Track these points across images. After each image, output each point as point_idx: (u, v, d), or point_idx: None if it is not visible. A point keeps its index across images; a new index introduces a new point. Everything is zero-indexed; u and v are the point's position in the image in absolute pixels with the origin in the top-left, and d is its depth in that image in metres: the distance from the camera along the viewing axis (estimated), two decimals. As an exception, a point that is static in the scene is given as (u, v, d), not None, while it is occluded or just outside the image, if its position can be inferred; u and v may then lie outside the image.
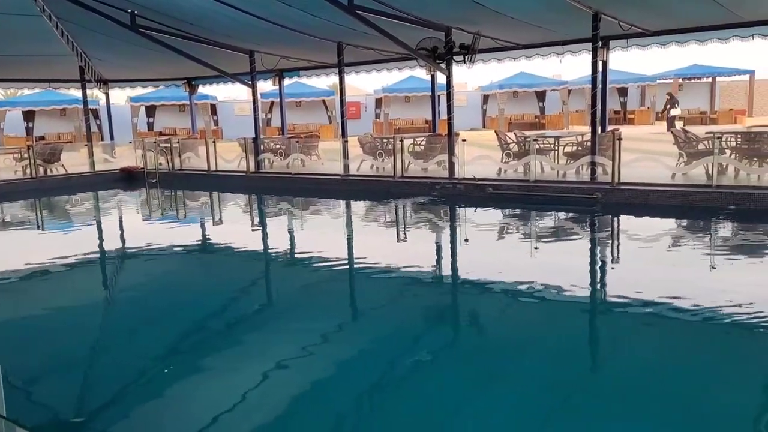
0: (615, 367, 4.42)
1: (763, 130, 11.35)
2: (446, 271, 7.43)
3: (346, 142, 14.61)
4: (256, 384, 4.18)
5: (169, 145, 17.89)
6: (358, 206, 12.82)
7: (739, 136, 11.21)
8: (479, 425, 3.57)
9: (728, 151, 11.05)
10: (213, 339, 5.28)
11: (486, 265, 7.29)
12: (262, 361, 4.57)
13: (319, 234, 9.86)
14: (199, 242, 9.76)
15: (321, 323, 5.44)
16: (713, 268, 6.82)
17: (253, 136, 16.25)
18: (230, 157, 16.69)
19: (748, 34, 11.57)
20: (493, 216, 10.97)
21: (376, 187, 13.51)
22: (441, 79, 13.74)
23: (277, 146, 16.49)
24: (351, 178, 14.24)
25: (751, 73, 30.25)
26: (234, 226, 11.06)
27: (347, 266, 7.69)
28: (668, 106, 24.42)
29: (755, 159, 10.69)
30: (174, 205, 14.12)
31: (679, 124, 21.37)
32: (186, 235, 10.23)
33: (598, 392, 4.00)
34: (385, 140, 14.71)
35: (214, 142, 17.20)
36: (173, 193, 15.59)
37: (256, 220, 12.11)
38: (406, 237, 9.50)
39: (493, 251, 8.20)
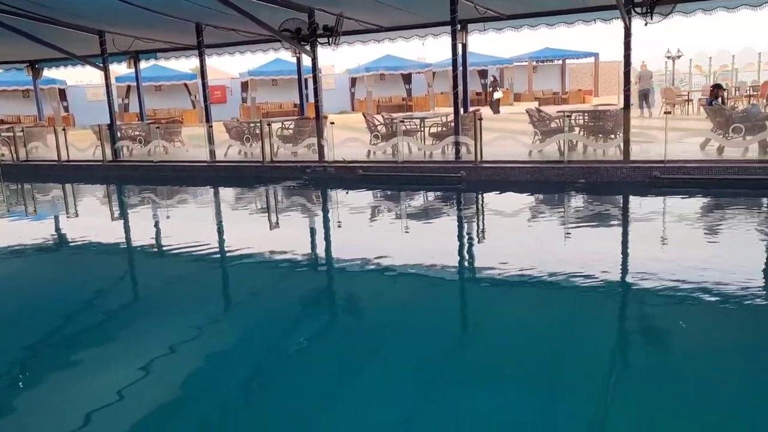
0: (483, 337, 4.63)
1: (605, 109, 12.34)
2: (321, 255, 7.43)
3: (211, 127, 14.11)
4: (128, 382, 3.96)
5: (12, 134, 16.36)
6: (227, 193, 12.46)
7: (585, 114, 12.10)
8: (358, 403, 3.61)
9: (577, 129, 11.90)
10: (79, 338, 4.93)
11: (359, 247, 7.36)
12: (134, 358, 4.32)
13: (187, 224, 9.47)
14: (54, 238, 9.04)
15: (194, 315, 5.25)
16: (567, 236, 7.35)
17: (108, 122, 15.24)
18: (84, 146, 15.56)
19: (590, 19, 12.50)
20: (364, 198, 11.09)
21: (245, 173, 13.20)
22: (307, 61, 13.62)
23: (136, 133, 15.63)
24: (218, 164, 13.79)
25: (596, 55, 32.75)
26: (91, 219, 10.34)
27: (218, 256, 7.45)
28: (491, 89, 25.71)
29: (600, 135, 11.59)
30: (21, 200, 12.96)
31: (503, 108, 22.60)
32: (37, 231, 9.42)
33: (469, 363, 4.17)
34: (252, 125, 14.37)
35: (64, 129, 15.96)
36: (19, 187, 14.29)
37: (117, 212, 11.40)
38: (278, 223, 9.36)
39: (365, 233, 8.30)
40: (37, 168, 15.63)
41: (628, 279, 5.73)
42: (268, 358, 4.38)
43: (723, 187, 9.25)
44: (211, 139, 14.00)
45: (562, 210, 9.20)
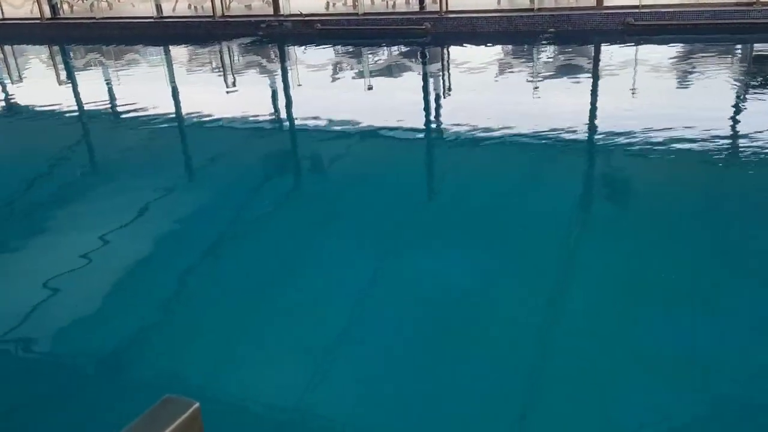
0: (447, 196, 4.51)
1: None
2: (280, 116, 7.08)
3: (156, -22, 12.93)
4: (90, 248, 3.80)
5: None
6: (178, 52, 11.68)
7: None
8: (322, 265, 3.51)
9: (548, -27, 11.19)
10: (36, 208, 4.70)
11: (320, 107, 7.02)
12: (93, 227, 4.13)
13: (138, 86, 8.89)
14: (-6, 106, 8.48)
15: (152, 182, 4.99)
16: (535, 90, 7.09)
17: (42, -25, 13.87)
18: (18, 3, 14.26)
19: None
20: (323, 54, 10.50)
21: (196, 30, 12.32)
22: None
23: (74, -13, 14.30)
24: (166, 20, 12.81)
25: None
26: (36, 84, 9.68)
27: (174, 120, 7.05)
28: None
29: (572, -20, 10.95)
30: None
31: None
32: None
33: (432, 223, 4.07)
34: (200, -26, 13.21)
35: (-8, -16, 14.52)
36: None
37: (62, 75, 10.66)
38: (234, 83, 8.86)
39: (325, 92, 7.90)
40: (-31, 29, 14.39)
41: (597, 132, 5.57)
42: (231, 224, 4.21)
43: (698, 33, 8.92)
44: (156, -8, 12.89)
45: (531, 62, 8.84)
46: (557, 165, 4.93)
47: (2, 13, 14.26)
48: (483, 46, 9.82)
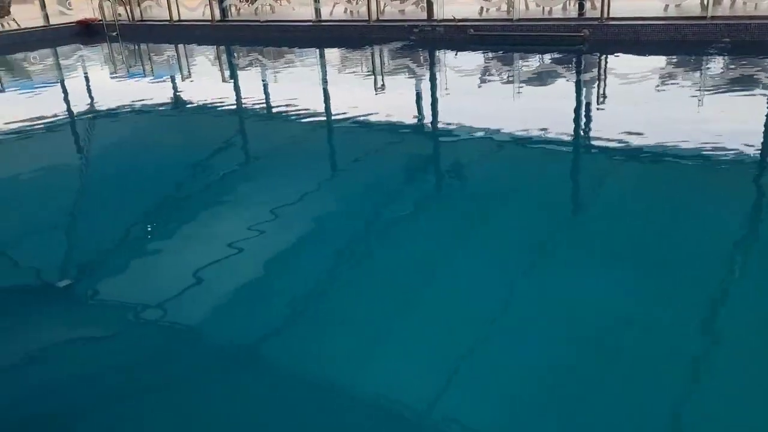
0: (604, 212, 4.23)
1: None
2: (427, 121, 7.06)
3: (316, -18, 13.50)
4: (239, 238, 4.01)
5: (126, -7, 16.56)
6: (333, 54, 12.10)
7: (738, -40, 10.39)
8: (463, 269, 3.42)
9: (726, -22, 10.30)
10: (195, 197, 5.06)
11: (468, 113, 6.92)
12: (245, 218, 4.36)
13: (294, 85, 9.31)
14: (171, 99, 9.22)
15: (301, 178, 5.18)
16: (700, 104, 6.52)
17: (216, -20, 14.99)
18: (193, 5, 15.52)
19: None
20: (474, 60, 10.39)
21: (351, 33, 12.70)
22: None
23: (243, -9, 15.30)
24: (323, 24, 13.33)
25: None
26: (204, 81, 10.44)
27: (324, 119, 7.28)
28: None
29: (754, -14, 9.99)
30: (139, 60, 13.28)
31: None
32: (156, 92, 9.62)
33: (586, 237, 3.83)
34: (358, -20, 13.63)
35: (174, -12, 15.91)
36: (136, 47, 14.64)
37: (227, 73, 11.43)
38: (384, 86, 9.00)
39: (474, 98, 7.79)
40: (152, 28, 15.87)
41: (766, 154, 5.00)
42: (372, 225, 4.25)
43: None
44: (316, -3, 13.46)
45: (699, 74, 8.15)
46: (724, 186, 4.47)
47: (179, 14, 15.56)
48: (646, 57, 9.22)
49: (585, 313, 2.99)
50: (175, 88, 10.01)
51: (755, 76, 7.77)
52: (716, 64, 8.51)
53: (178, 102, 9.10)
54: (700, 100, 6.75)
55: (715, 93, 7.01)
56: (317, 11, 13.46)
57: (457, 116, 6.88)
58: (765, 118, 6.13)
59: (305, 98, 8.18)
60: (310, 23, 13.37)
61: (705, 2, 9.66)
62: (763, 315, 2.91)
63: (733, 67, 8.32)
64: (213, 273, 3.67)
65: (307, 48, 12.61)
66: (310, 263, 3.75)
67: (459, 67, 10.07)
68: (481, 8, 12.00)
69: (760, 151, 5.08)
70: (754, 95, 6.91)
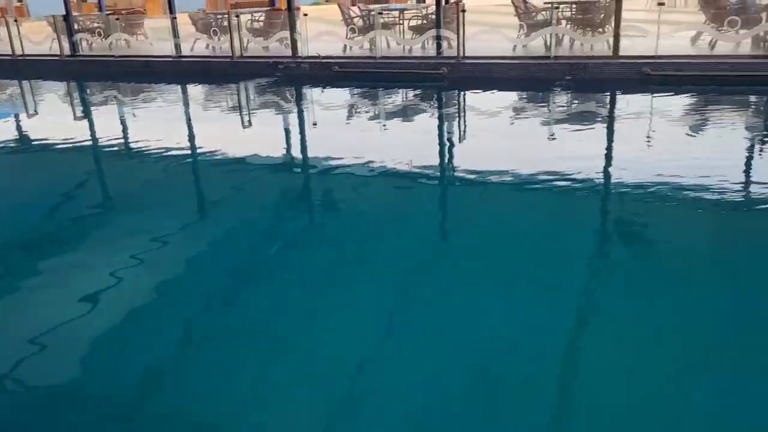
0: (463, 240, 4.39)
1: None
2: (296, 155, 7.05)
3: (175, 18, 13.14)
4: (105, 285, 3.73)
5: (-41, 26, 15.18)
6: (196, 90, 11.79)
7: (574, 5, 11.43)
8: (338, 309, 3.39)
9: (564, 22, 11.28)
10: (50, 241, 4.65)
11: (336, 147, 6.99)
12: (108, 262, 4.06)
13: (155, 123, 8.94)
14: (15, 139, 8.48)
15: (167, 218, 4.93)
16: (551, 137, 7.04)
17: (64, 13, 14.15)
18: (39, 39, 14.53)
19: None
20: (340, 96, 10.56)
21: (214, 69, 12.47)
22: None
23: (95, 25, 14.58)
24: (184, 59, 12.98)
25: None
26: (54, 118, 9.74)
27: (190, 157, 7.02)
28: None
29: (588, 29, 11.02)
30: (-25, 98, 12.15)
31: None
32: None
33: (450, 267, 3.96)
34: (219, 16, 13.45)
35: (16, 21, 14.83)
36: (-27, 84, 13.41)
37: (79, 110, 10.74)
38: (251, 122, 8.87)
39: (342, 133, 7.89)
40: (-9, 63, 14.63)
41: (612, 179, 5.49)
42: (244, 264, 4.11)
43: (716, 84, 8.90)
44: (175, 32, 13.09)
45: (547, 108, 8.82)
46: (572, 209, 4.84)
47: (22, 48, 14.48)
48: (499, 92, 9.84)
49: (457, 341, 3.07)
50: (19, 125, 9.25)
51: (593, 110, 8.54)
52: (561, 99, 9.26)
53: (22, 141, 8.40)
54: (550, 132, 7.29)
55: (561, 124, 7.61)
56: (177, 46, 13.09)
57: (325, 151, 6.92)
58: (605, 145, 6.74)
59: (166, 136, 7.85)
60: (170, 59, 12.96)
61: (548, 44, 10.52)
62: (625, 331, 3.13)
63: (575, 101, 9.09)
64: (65, 324, 3.37)
65: (167, 84, 12.19)
66: (172, 311, 3.56)
67: (326, 102, 10.18)
68: (345, 46, 12.26)
69: (602, 176, 5.55)
70: (593, 127, 7.57)
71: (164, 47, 13.38)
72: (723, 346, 2.96)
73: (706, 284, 3.57)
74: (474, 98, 9.80)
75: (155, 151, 7.17)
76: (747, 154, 6.14)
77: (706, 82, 8.95)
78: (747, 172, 5.56)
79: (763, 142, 6.52)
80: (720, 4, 10.20)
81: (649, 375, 2.74)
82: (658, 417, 2.47)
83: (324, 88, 10.87)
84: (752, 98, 8.77)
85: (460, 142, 7.32)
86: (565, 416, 2.54)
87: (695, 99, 8.71)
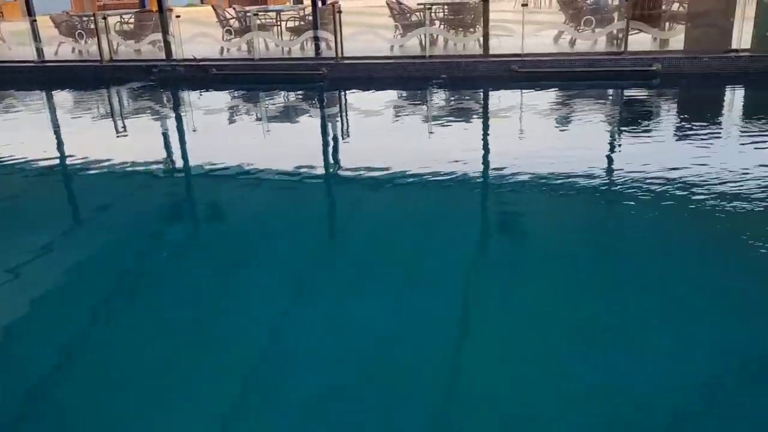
0: (346, 239, 4.50)
1: (465, 0, 12.18)
2: (176, 162, 6.86)
3: (35, 21, 12.33)
4: None
5: None
6: (63, 97, 11.13)
7: (446, 7, 11.88)
8: (226, 313, 3.38)
9: (437, 23, 11.70)
10: None
11: (217, 152, 6.87)
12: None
13: (20, 133, 8.35)
14: None
15: (42, 232, 4.66)
16: (430, 133, 7.32)
17: None
18: None
19: None
20: (219, 99, 10.35)
21: (83, 74, 11.83)
22: (144, -56, 12.11)
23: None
24: (48, 64, 12.22)
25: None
26: None
27: (60, 167, 6.65)
28: None
29: (460, 29, 11.50)
30: None
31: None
32: None
33: (334, 266, 4.04)
34: (85, 18, 12.77)
35: None
36: None
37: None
38: (125, 129, 8.52)
39: (222, 137, 7.76)
40: None
41: (487, 172, 5.80)
42: (128, 274, 3.98)
43: (577, 79, 9.58)
44: (36, 36, 12.28)
45: (424, 106, 9.13)
46: (451, 204, 5.08)
47: None
48: (378, 91, 10.05)
49: (345, 336, 3.16)
50: None
51: (468, 107, 8.94)
52: (438, 96, 9.62)
53: None
54: (428, 129, 7.56)
55: (439, 120, 7.91)
56: (39, 51, 12.29)
57: (206, 156, 6.79)
58: (480, 140, 7.10)
59: (36, 146, 7.39)
60: (32, 64, 12.15)
61: (423, 44, 10.87)
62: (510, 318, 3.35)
63: (451, 98, 9.47)
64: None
65: (29, 91, 11.42)
66: (51, 325, 3.40)
67: (204, 106, 9.96)
68: (222, 48, 12.03)
69: (480, 168, 5.86)
70: (470, 122, 7.94)
71: (25, 52, 12.51)
72: (594, 325, 3.25)
73: (580, 266, 3.88)
74: (354, 97, 9.96)
75: (17, 162, 6.73)
76: (607, 143, 6.69)
77: (568, 78, 9.63)
78: (609, 159, 6.07)
79: (619, 132, 7.13)
80: (577, 5, 10.98)
81: (526, 358, 2.96)
82: (537, 397, 2.69)
83: (202, 91, 10.63)
84: (609, 92, 9.53)
85: (342, 141, 7.43)
86: (449, 402, 2.69)
87: (558, 93, 9.34)
